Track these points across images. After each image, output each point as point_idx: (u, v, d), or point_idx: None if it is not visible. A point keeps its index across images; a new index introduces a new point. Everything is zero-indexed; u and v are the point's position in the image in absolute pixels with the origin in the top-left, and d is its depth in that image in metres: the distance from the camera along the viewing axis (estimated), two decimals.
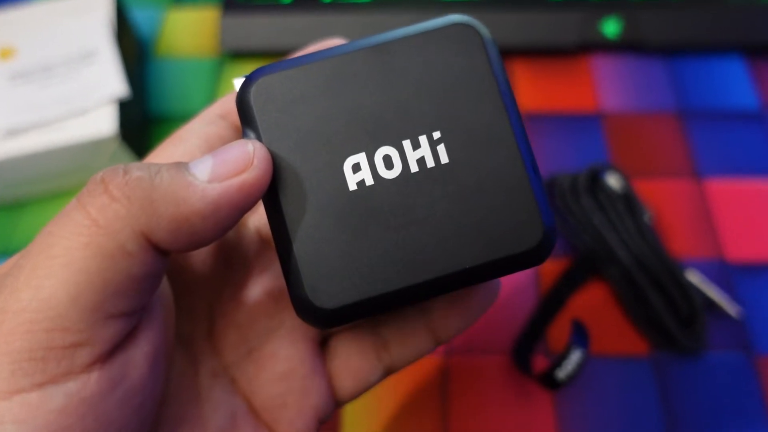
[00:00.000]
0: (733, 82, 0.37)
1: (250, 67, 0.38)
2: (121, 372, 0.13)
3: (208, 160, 0.14)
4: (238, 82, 0.16)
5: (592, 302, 0.30)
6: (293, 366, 0.18)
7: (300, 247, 0.14)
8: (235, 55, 0.38)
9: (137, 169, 0.13)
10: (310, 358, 0.18)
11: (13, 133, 0.30)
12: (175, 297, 0.18)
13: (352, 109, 0.15)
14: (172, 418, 0.16)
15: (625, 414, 0.27)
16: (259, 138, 0.15)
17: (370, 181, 0.15)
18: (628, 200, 0.30)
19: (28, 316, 0.12)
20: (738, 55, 0.38)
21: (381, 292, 0.14)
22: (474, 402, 0.27)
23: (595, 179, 0.31)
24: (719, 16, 0.37)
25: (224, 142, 0.18)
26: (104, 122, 0.30)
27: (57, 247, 0.12)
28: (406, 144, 0.15)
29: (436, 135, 0.15)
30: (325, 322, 0.14)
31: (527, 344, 0.27)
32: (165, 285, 0.16)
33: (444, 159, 0.15)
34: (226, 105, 0.18)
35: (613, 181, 0.31)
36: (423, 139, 0.15)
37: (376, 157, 0.15)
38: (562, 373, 0.25)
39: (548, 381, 0.25)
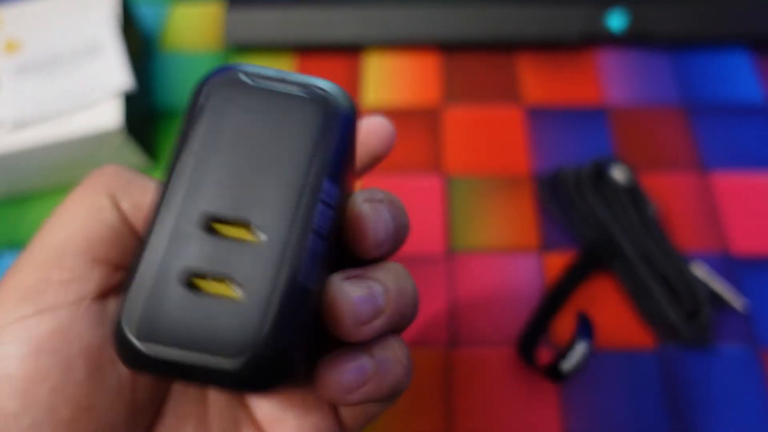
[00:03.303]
0: (738, 76, 0.36)
1: (254, 61, 0.38)
2: (106, 312, 0.15)
3: None
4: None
5: (597, 295, 0.30)
6: None
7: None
8: (241, 49, 0.38)
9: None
10: None
11: (19, 125, 0.30)
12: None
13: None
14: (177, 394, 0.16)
15: (630, 406, 0.27)
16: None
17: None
18: (633, 193, 0.30)
19: (38, 256, 0.14)
20: (744, 48, 0.37)
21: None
22: (478, 393, 0.27)
23: (599, 172, 0.31)
24: (724, 9, 0.37)
25: None
26: (110, 115, 0.31)
27: (62, 204, 0.16)
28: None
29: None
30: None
31: (532, 336, 0.28)
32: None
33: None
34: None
35: (617, 174, 0.31)
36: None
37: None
38: (567, 364, 0.25)
39: (553, 373, 0.26)
